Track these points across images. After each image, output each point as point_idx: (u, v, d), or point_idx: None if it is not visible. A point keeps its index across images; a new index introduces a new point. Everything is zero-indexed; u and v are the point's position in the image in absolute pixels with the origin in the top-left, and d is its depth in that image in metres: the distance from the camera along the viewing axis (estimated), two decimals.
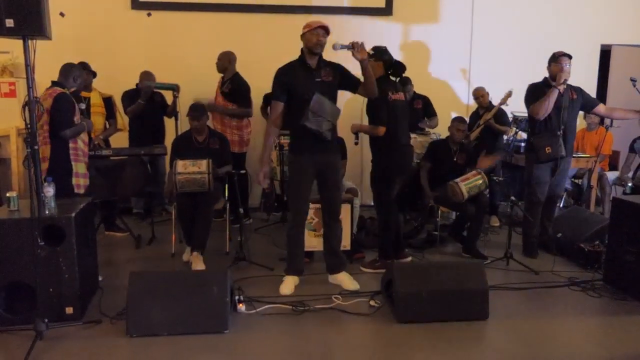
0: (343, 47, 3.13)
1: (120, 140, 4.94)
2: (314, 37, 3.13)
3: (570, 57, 3.90)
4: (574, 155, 4.40)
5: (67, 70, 3.52)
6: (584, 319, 3.06)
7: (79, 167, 3.46)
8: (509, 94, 4.94)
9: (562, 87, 3.89)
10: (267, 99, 5.27)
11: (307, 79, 3.18)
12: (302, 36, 3.18)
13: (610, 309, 3.20)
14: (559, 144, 3.93)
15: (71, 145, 3.43)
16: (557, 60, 3.91)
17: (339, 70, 3.29)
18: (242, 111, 4.81)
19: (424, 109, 5.30)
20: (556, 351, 2.67)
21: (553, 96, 3.84)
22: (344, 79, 3.28)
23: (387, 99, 3.54)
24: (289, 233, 3.40)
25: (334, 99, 3.26)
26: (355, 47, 3.09)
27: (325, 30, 3.15)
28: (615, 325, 2.98)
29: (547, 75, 4.01)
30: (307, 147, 3.22)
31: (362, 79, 3.29)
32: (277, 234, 4.71)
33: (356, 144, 3.89)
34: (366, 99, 3.56)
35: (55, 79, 3.52)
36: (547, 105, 3.85)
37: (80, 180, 3.47)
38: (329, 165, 3.30)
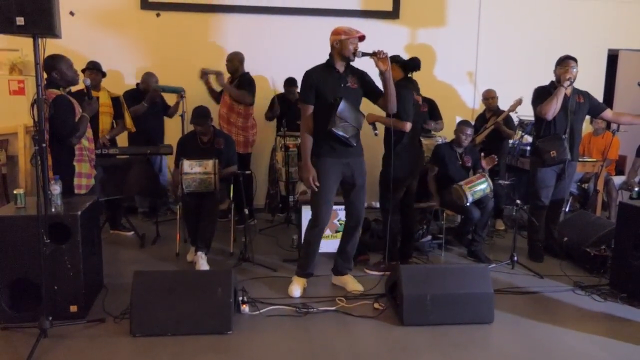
0: (365, 54, 3.10)
1: (121, 139, 4.96)
2: (352, 46, 3.10)
3: (575, 60, 3.88)
4: (580, 160, 4.38)
5: (51, 65, 3.26)
6: (589, 323, 3.03)
7: (83, 167, 3.42)
8: (519, 102, 4.92)
9: (569, 89, 3.88)
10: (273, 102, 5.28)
11: (334, 84, 3.16)
12: (337, 42, 3.12)
13: (615, 313, 3.18)
14: (564, 148, 3.91)
15: (76, 146, 3.37)
16: (562, 63, 3.90)
17: (364, 78, 3.27)
18: (241, 92, 4.74)
19: (429, 112, 5.27)
20: (561, 355, 2.65)
21: (560, 96, 3.82)
22: (368, 87, 3.26)
23: (413, 96, 3.54)
24: (308, 235, 3.34)
25: (358, 105, 3.26)
26: (378, 56, 3.06)
27: (361, 39, 3.14)
28: (620, 330, 2.95)
29: (553, 79, 4.00)
30: (332, 151, 3.20)
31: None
32: (281, 235, 4.71)
33: (376, 134, 3.83)
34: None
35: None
36: (555, 105, 3.83)
37: (82, 180, 3.42)
38: (355, 169, 3.27)
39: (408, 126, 3.53)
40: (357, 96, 3.25)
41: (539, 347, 2.74)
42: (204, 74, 4.87)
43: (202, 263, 3.70)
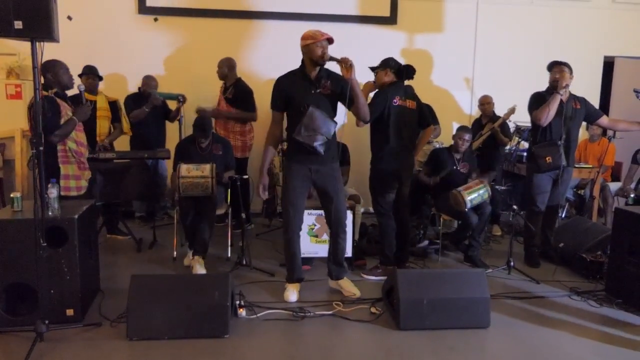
0: (333, 59, 3.05)
1: (121, 144, 4.96)
2: (319, 50, 3.05)
3: (565, 65, 3.90)
4: (576, 166, 4.40)
5: (47, 68, 3.36)
6: (585, 328, 3.04)
7: (69, 169, 3.41)
8: (513, 111, 4.95)
9: (565, 95, 3.90)
10: None
11: (305, 90, 3.14)
12: (305, 47, 3.08)
13: (611, 319, 3.18)
14: (560, 154, 3.93)
15: (59, 147, 3.37)
16: (553, 68, 3.94)
17: (338, 82, 3.19)
18: (247, 115, 4.83)
19: None
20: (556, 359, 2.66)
21: (555, 102, 3.85)
22: (341, 93, 3.16)
23: (392, 102, 3.56)
24: (284, 239, 3.36)
25: (332, 111, 3.22)
26: (343, 63, 3.00)
27: (330, 41, 3.10)
28: (616, 335, 2.96)
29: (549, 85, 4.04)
30: (299, 156, 3.19)
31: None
32: (278, 240, 4.71)
33: None
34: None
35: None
36: (549, 112, 3.85)
37: (70, 182, 3.42)
38: (326, 176, 3.25)
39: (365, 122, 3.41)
40: (329, 102, 3.20)
41: (535, 352, 2.74)
42: (202, 111, 4.74)
43: (199, 267, 3.70)
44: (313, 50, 3.06)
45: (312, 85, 3.16)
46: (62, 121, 3.35)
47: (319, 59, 3.07)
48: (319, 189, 3.31)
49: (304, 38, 3.11)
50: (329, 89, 3.19)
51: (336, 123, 3.21)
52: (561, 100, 3.93)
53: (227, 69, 4.84)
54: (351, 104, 3.16)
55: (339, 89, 3.18)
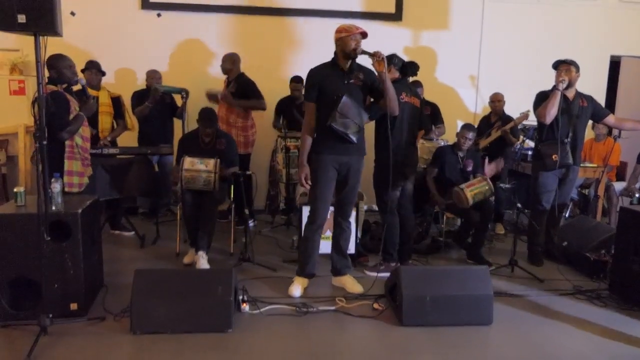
0: (365, 52, 3.12)
1: (129, 140, 4.97)
2: (353, 42, 3.11)
3: (570, 63, 3.87)
4: (581, 165, 4.38)
5: (50, 63, 3.34)
6: (588, 327, 3.03)
7: (74, 165, 3.41)
8: (526, 116, 4.90)
9: (571, 92, 3.87)
10: (279, 106, 5.28)
11: (337, 81, 3.19)
12: (339, 39, 3.15)
13: (615, 318, 3.17)
14: (566, 152, 3.91)
15: (67, 142, 3.36)
16: (557, 68, 3.92)
17: (370, 77, 3.27)
18: (257, 102, 4.81)
19: (432, 115, 5.30)
20: (559, 358, 2.65)
21: (555, 98, 3.82)
22: (372, 86, 3.27)
23: (400, 98, 3.56)
24: (306, 231, 3.37)
25: (362, 102, 3.27)
26: (375, 57, 3.07)
27: (364, 36, 3.16)
28: (619, 334, 2.95)
29: (554, 84, 4.01)
30: (330, 147, 3.22)
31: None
32: (281, 236, 4.72)
33: None
34: None
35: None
36: (551, 109, 3.83)
37: (74, 178, 3.41)
38: (351, 168, 3.29)
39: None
40: (361, 93, 3.26)
41: (538, 349, 2.73)
42: (210, 96, 4.88)
43: (203, 262, 3.70)
44: (347, 43, 3.13)
45: (344, 75, 3.20)
46: (71, 117, 3.34)
47: (351, 52, 3.14)
48: (340, 179, 3.33)
49: (338, 31, 3.17)
50: (361, 81, 3.25)
51: (368, 114, 3.27)
52: (567, 98, 3.91)
53: (230, 63, 4.84)
54: (380, 97, 3.25)
55: (370, 82, 3.25)
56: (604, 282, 3.69)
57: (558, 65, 3.92)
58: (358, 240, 4.03)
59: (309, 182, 3.27)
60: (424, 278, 3.01)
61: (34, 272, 2.76)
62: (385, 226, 3.79)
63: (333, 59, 3.25)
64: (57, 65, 3.35)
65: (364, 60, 3.21)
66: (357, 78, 3.24)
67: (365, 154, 3.40)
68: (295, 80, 5.10)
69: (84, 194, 3.45)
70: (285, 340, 2.75)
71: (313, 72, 3.25)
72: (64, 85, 3.43)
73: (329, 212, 3.44)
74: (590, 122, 4.21)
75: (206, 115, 3.99)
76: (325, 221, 3.39)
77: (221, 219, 4.99)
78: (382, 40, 5.55)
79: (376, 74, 3.18)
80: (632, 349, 2.78)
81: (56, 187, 2.89)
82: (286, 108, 5.20)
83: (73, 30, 5.08)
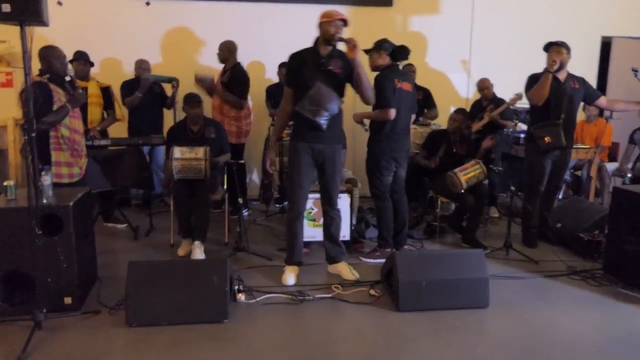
0: (340, 39, 3.11)
1: (119, 131, 4.92)
2: (333, 29, 3.10)
3: (561, 44, 3.86)
4: (573, 147, 4.38)
5: (41, 55, 3.33)
6: (583, 307, 3.06)
7: (61, 156, 3.36)
8: (519, 97, 4.88)
9: (563, 74, 3.87)
10: (268, 92, 5.24)
11: (314, 67, 3.16)
12: (320, 25, 3.16)
13: (609, 297, 3.20)
14: (559, 134, 3.91)
15: (51, 134, 3.31)
16: (548, 49, 3.90)
17: (350, 65, 3.22)
18: (234, 100, 4.73)
19: (424, 100, 5.28)
20: (556, 338, 2.67)
21: (547, 80, 3.81)
22: (352, 75, 3.22)
23: (394, 84, 3.53)
24: (287, 220, 3.39)
25: (339, 90, 3.24)
26: (349, 44, 3.06)
27: (345, 22, 3.14)
28: (614, 313, 2.98)
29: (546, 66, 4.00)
30: (303, 135, 3.21)
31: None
32: (276, 225, 4.70)
33: (366, 130, 3.83)
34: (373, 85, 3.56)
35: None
36: (542, 91, 3.82)
37: (62, 169, 3.37)
38: (326, 156, 3.27)
39: (392, 113, 3.54)
40: (338, 81, 3.22)
41: (534, 330, 2.75)
42: (199, 80, 4.79)
43: (199, 252, 3.68)
44: (326, 29, 3.13)
45: (322, 62, 3.18)
46: (55, 107, 3.28)
47: (330, 38, 3.13)
48: (319, 168, 3.32)
49: (320, 17, 3.17)
50: (340, 69, 3.21)
51: (342, 102, 3.24)
52: (559, 80, 3.90)
53: (227, 52, 4.78)
54: (356, 86, 3.22)
55: (350, 70, 3.21)
56: (598, 262, 3.72)
57: (549, 47, 3.91)
58: (353, 227, 4.02)
59: (274, 167, 3.30)
60: (420, 263, 3.01)
61: (26, 267, 2.72)
62: (378, 212, 3.79)
63: (314, 44, 3.23)
64: (47, 56, 3.31)
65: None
66: (336, 65, 3.20)
67: (342, 142, 3.38)
68: (284, 66, 5.06)
69: (75, 185, 3.41)
70: (282, 329, 2.75)
71: (292, 57, 3.25)
72: (47, 76, 3.36)
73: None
74: (581, 103, 4.20)
75: (189, 97, 3.97)
76: (305, 208, 3.39)
77: (215, 209, 4.96)
78: (373, 25, 5.52)
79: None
80: (626, 327, 2.80)
81: (46, 179, 2.85)
82: (275, 95, 5.15)
83: (60, 20, 4.98)
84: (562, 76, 3.92)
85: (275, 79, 5.29)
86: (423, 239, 4.30)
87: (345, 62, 3.22)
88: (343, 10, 5.45)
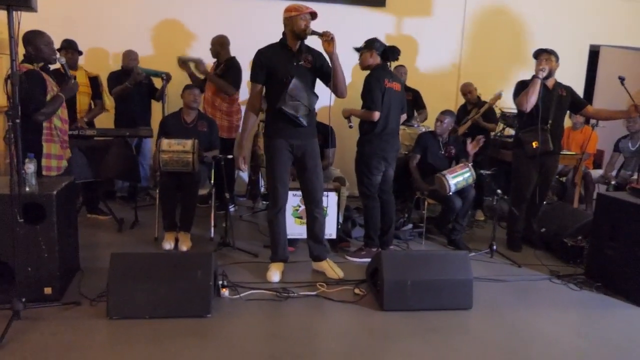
0: (315, 33, 3.04)
1: (106, 122, 4.85)
2: (303, 22, 3.05)
3: (549, 51, 3.90)
4: (560, 153, 4.42)
5: (27, 40, 3.21)
6: (564, 310, 3.09)
7: (52, 148, 3.29)
8: (499, 96, 4.95)
9: (551, 81, 3.91)
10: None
11: (287, 62, 3.12)
12: (288, 19, 3.09)
13: (590, 302, 3.24)
14: (547, 139, 3.94)
15: (45, 124, 3.23)
16: (537, 57, 3.94)
17: (319, 58, 3.21)
18: (225, 84, 4.67)
19: (413, 101, 5.30)
20: (537, 340, 2.69)
21: (535, 86, 3.84)
22: (321, 69, 3.19)
23: (383, 84, 3.53)
24: (270, 218, 3.35)
25: (312, 85, 3.23)
26: (324, 37, 2.99)
27: (314, 16, 3.10)
28: (594, 317, 3.01)
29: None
30: (281, 130, 3.17)
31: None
32: (262, 221, 4.69)
33: (350, 127, 3.85)
34: (362, 84, 3.57)
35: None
36: (530, 97, 3.85)
37: (52, 162, 3.30)
38: (306, 151, 3.24)
39: (376, 115, 3.55)
40: (310, 76, 3.21)
41: (516, 332, 2.77)
42: (182, 62, 4.76)
43: (185, 241, 3.66)
44: (296, 23, 3.06)
45: (294, 57, 3.14)
46: (48, 97, 3.20)
47: (301, 32, 3.07)
48: (299, 164, 3.30)
49: (287, 10, 3.10)
50: (310, 63, 3.18)
51: (317, 97, 3.21)
52: (547, 86, 3.94)
53: (219, 46, 4.75)
54: (329, 80, 3.14)
55: (319, 65, 3.19)
56: (580, 267, 3.76)
57: (538, 54, 3.95)
58: (340, 226, 4.02)
59: (246, 165, 3.28)
60: (405, 263, 3.01)
61: (6, 255, 2.67)
62: (366, 211, 3.80)
63: (282, 39, 3.18)
64: (35, 41, 3.21)
65: (313, 42, 3.13)
66: (307, 60, 3.17)
67: (316, 136, 3.33)
68: None
69: (62, 176, 3.35)
70: (265, 326, 2.73)
71: (261, 52, 3.17)
72: (40, 64, 3.28)
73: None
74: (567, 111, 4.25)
75: (190, 84, 3.99)
76: (286, 203, 3.35)
77: (201, 204, 4.93)
78: (365, 26, 5.53)
79: (325, 55, 3.12)
80: (605, 331, 2.84)
81: (30, 167, 2.80)
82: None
83: (49, 8, 4.90)
84: (550, 83, 3.96)
85: None
86: (410, 240, 4.31)
87: (314, 57, 3.20)
88: (336, 9, 5.52)
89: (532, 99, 3.86)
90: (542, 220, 4.34)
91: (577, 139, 5.50)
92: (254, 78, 3.19)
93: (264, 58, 3.14)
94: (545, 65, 3.84)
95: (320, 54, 3.22)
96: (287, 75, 3.07)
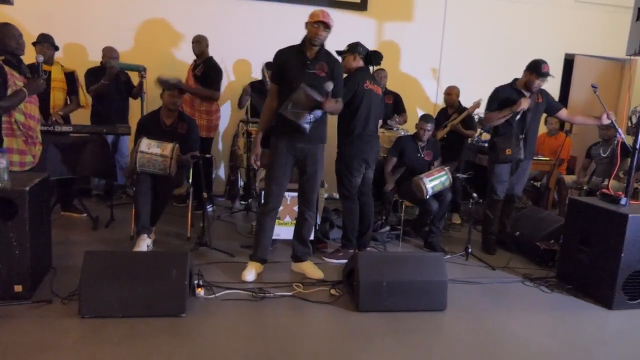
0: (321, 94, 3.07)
1: (82, 118, 4.77)
2: (314, 30, 3.08)
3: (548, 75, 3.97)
4: (534, 158, 4.52)
5: None
6: (536, 312, 3.15)
7: (13, 143, 3.22)
8: (478, 104, 5.02)
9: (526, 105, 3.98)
10: (253, 87, 5.18)
11: (299, 68, 3.13)
12: (305, 24, 3.14)
13: (561, 304, 3.31)
14: (519, 147, 4.05)
15: (4, 119, 3.15)
16: (540, 74, 3.93)
17: (336, 70, 3.22)
18: (210, 92, 4.70)
19: (394, 104, 5.35)
20: (509, 341, 2.74)
21: (506, 116, 3.99)
22: (333, 80, 3.17)
23: (363, 86, 3.57)
24: (259, 217, 3.35)
25: (323, 93, 3.20)
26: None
27: (325, 25, 3.09)
28: (565, 319, 3.08)
29: (516, 77, 4.11)
30: (285, 132, 3.18)
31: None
32: (240, 222, 4.67)
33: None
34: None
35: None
36: (497, 122, 4.04)
37: (13, 156, 3.20)
38: (308, 154, 3.26)
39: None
40: (321, 84, 3.18)
41: (489, 333, 2.82)
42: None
43: (146, 241, 3.59)
44: (309, 30, 3.11)
45: (307, 64, 3.15)
46: (10, 92, 3.12)
47: (312, 39, 3.12)
48: (299, 167, 3.31)
49: (309, 15, 3.14)
50: (325, 72, 3.18)
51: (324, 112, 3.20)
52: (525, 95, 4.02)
53: (205, 45, 4.77)
54: (334, 95, 3.21)
55: (335, 77, 3.20)
56: (552, 270, 3.84)
57: (543, 75, 3.93)
58: (317, 227, 4.03)
59: (258, 163, 3.30)
60: (381, 264, 3.03)
61: None
62: (345, 213, 3.81)
63: (300, 43, 3.20)
64: (1, 34, 3.14)
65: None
66: (321, 68, 3.17)
67: (325, 141, 3.37)
68: (269, 67, 5.04)
69: (31, 171, 3.28)
70: (241, 326, 2.72)
71: (278, 54, 3.21)
72: (2, 58, 3.19)
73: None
74: (543, 116, 4.34)
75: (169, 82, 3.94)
76: (279, 205, 3.37)
77: (179, 203, 4.89)
78: (347, 29, 5.55)
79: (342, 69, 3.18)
80: (575, 332, 2.90)
81: (2, 162, 2.74)
82: (255, 92, 5.11)
83: (25, 3, 4.82)
84: (528, 93, 4.04)
85: (249, 75, 5.26)
86: (387, 242, 4.34)
87: (330, 66, 3.20)
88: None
89: (498, 123, 4.04)
90: (516, 224, 4.43)
91: (552, 144, 5.62)
92: (272, 79, 3.24)
93: (281, 58, 3.17)
94: (525, 106, 3.92)
95: (339, 64, 3.28)
96: (296, 81, 3.07)
